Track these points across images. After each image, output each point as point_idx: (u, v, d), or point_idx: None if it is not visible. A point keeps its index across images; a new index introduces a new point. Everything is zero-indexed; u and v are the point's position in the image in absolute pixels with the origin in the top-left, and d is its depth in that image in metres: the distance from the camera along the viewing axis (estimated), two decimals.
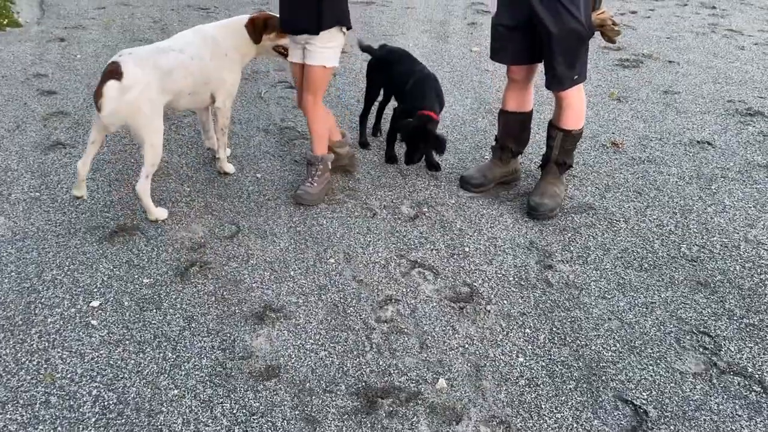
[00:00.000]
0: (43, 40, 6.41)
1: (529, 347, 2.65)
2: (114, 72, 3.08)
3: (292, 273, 3.07)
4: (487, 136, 4.35)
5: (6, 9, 7.38)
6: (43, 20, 7.08)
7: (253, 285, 2.99)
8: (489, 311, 2.85)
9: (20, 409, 2.31)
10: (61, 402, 2.34)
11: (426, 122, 3.63)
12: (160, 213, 3.43)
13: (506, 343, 2.67)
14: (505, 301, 2.91)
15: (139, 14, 7.35)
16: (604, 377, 2.50)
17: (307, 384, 2.45)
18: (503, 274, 3.10)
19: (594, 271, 3.12)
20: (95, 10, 7.42)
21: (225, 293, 2.92)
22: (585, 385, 2.46)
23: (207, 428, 2.26)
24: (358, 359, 2.57)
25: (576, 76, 3.36)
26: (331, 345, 2.64)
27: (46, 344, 2.61)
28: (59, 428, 2.24)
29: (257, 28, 3.59)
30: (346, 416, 2.32)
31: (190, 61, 3.38)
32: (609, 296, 2.96)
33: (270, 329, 2.72)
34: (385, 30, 6.73)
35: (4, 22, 6.86)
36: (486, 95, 5.10)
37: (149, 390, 2.40)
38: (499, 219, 3.53)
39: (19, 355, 2.55)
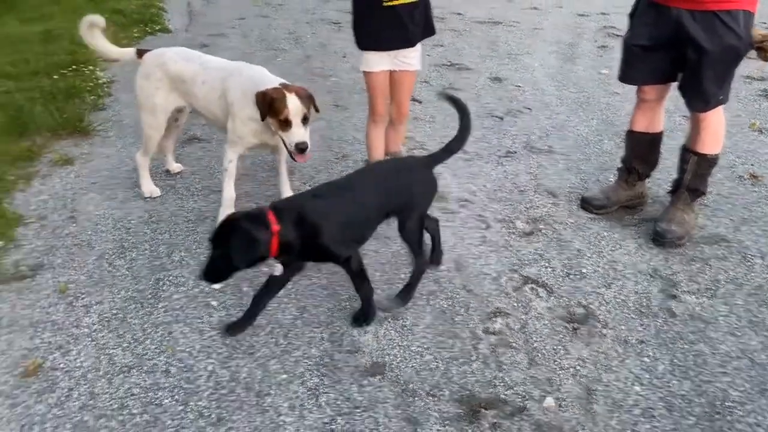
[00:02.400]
0: (189, 45, 6.88)
1: (647, 377, 2.50)
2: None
3: (402, 276, 3.08)
4: (612, 158, 4.18)
5: (159, 17, 8.04)
6: (191, 28, 7.63)
7: None
8: (605, 335, 2.72)
9: (144, 374, 2.47)
10: (180, 373, 2.47)
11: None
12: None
13: (622, 370, 2.53)
14: (622, 327, 2.77)
15: (275, 25, 7.75)
16: (729, 417, 2.31)
17: (411, 385, 2.44)
18: (622, 300, 2.95)
19: (723, 306, 2.90)
20: (236, 20, 7.90)
21: (337, 288, 2.98)
22: (707, 423, 2.28)
23: (311, 415, 2.30)
24: (463, 367, 2.53)
25: (721, 96, 3.16)
26: (437, 350, 2.62)
27: (170, 319, 2.78)
28: (176, 396, 2.36)
29: (262, 105, 3.04)
30: (448, 422, 2.28)
31: (201, 84, 3.40)
32: (739, 333, 2.73)
33: (377, 327, 2.74)
34: (511, 49, 6.68)
35: (157, 28, 7.47)
36: (613, 117, 4.92)
37: (260, 372, 2.48)
38: (620, 243, 3.37)
39: (146, 326, 2.73)
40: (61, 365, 2.51)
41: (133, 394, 2.37)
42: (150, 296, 2.92)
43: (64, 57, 6.14)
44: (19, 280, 3.02)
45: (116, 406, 2.32)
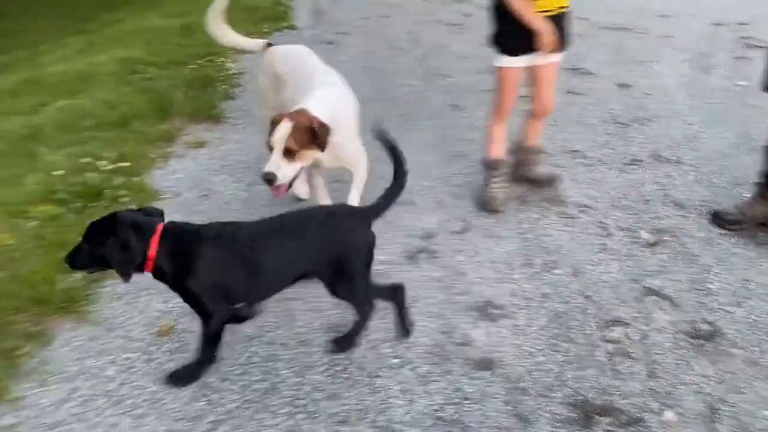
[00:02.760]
0: (314, 42, 7.14)
1: None
2: None
3: (516, 276, 3.05)
4: (748, 173, 3.92)
5: (287, 14, 8.40)
6: (317, 25, 7.90)
7: (477, 280, 3.02)
8: (733, 355, 2.56)
9: (264, 345, 2.60)
10: (297, 347, 2.58)
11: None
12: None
13: (750, 392, 2.38)
14: (755, 349, 2.60)
15: (396, 25, 7.87)
16: None
17: (522, 383, 2.41)
18: (754, 320, 2.76)
19: None
20: (360, 20, 8.10)
21: (450, 282, 3.00)
22: None
23: (421, 400, 2.33)
24: (578, 372, 2.47)
25: None
26: (551, 352, 2.58)
27: (291, 296, 2.89)
28: (293, 367, 2.47)
29: (295, 134, 2.77)
30: (560, 424, 2.24)
31: (290, 87, 3.32)
32: None
33: (489, 324, 2.73)
34: (639, 56, 6.42)
35: (284, 25, 7.80)
36: (750, 130, 4.61)
37: (373, 354, 2.55)
38: (755, 261, 3.16)
39: (267, 300, 2.87)
40: (191, 328, 2.68)
41: (253, 363, 2.50)
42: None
43: (200, 49, 6.54)
44: None
45: (239, 371, 2.45)
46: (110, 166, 3.88)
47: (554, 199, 3.71)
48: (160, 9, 10.40)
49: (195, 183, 3.95)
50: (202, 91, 5.35)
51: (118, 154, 4.09)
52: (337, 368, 2.47)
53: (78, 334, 2.64)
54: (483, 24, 3.69)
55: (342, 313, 2.71)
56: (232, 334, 2.61)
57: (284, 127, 2.76)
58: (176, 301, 2.83)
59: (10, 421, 2.22)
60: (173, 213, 3.54)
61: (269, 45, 3.72)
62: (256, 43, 3.88)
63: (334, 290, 2.41)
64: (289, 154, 2.78)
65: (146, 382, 2.40)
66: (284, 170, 2.79)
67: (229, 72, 5.95)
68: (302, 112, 2.82)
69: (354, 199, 3.19)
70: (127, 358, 2.52)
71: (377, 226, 2.44)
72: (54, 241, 3.12)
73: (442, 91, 5.50)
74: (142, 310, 2.78)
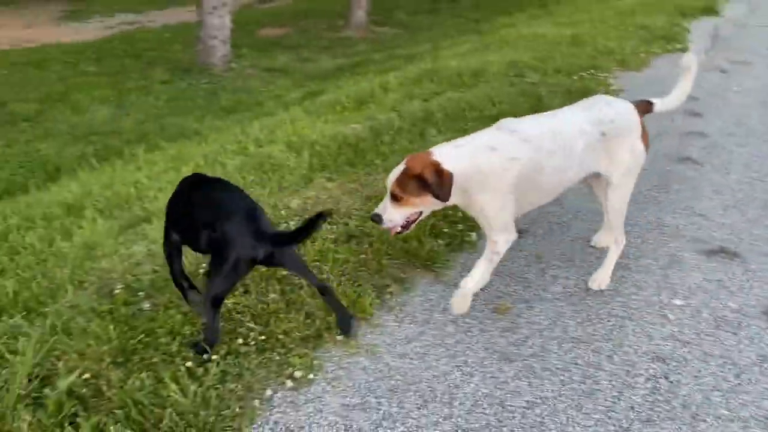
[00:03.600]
0: (704, 68, 6.72)
1: None
2: None
3: None
4: None
5: (681, 36, 8.02)
6: (711, 51, 7.40)
7: None
8: None
9: (590, 351, 2.68)
10: (622, 364, 2.61)
11: None
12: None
13: None
14: None
15: None
16: None
17: None
18: None
19: None
20: (767, 49, 7.33)
21: None
22: None
23: None
24: None
25: None
26: None
27: (624, 314, 2.91)
28: (613, 382, 2.51)
29: (401, 179, 2.60)
30: None
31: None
32: None
33: None
34: None
35: (678, 47, 7.48)
36: None
37: (700, 396, 2.43)
38: None
39: (601, 311, 2.94)
40: (524, 315, 2.91)
41: (576, 364, 2.61)
42: (611, 288, 3.11)
43: (585, 61, 6.71)
44: None
45: (560, 366, 2.59)
46: None
47: None
48: (551, 17, 10.86)
49: None
50: None
51: None
52: (659, 397, 2.43)
53: (433, 289, 3.09)
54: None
55: (674, 345, 2.64)
56: (564, 332, 2.77)
57: (396, 170, 2.61)
58: (516, 288, 3.10)
59: (371, 340, 2.73)
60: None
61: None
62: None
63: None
64: (395, 199, 2.59)
65: (478, 347, 2.70)
66: (390, 214, 2.60)
67: (610, 87, 6.00)
68: (422, 156, 2.61)
69: (472, 277, 2.77)
70: (467, 323, 2.86)
71: None
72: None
73: None
74: (485, 287, 3.10)
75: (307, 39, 14.03)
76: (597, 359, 2.63)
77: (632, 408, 2.39)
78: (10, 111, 9.25)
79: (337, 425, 2.29)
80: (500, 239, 2.73)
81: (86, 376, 2.40)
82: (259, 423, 2.28)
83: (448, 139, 4.60)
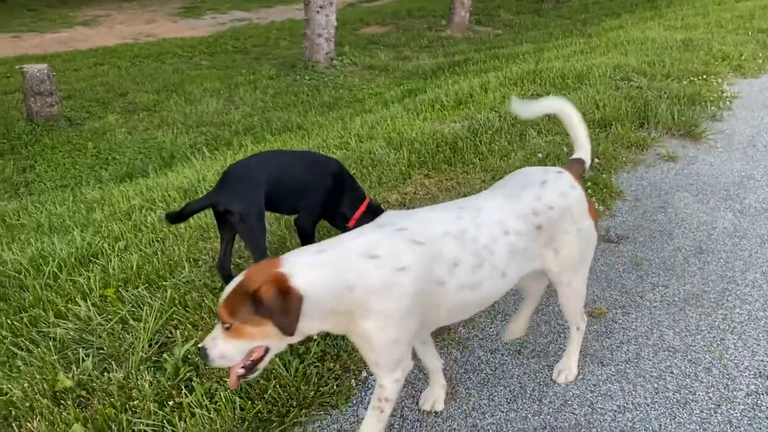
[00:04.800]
0: None
1: None
2: None
3: None
4: None
5: None
6: None
7: None
8: None
9: (686, 362, 2.63)
10: (719, 377, 2.54)
11: None
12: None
13: None
14: None
15: None
16: None
17: None
18: None
19: None
20: None
21: None
22: None
23: None
24: None
25: None
26: None
27: (726, 327, 2.83)
28: (710, 394, 2.46)
29: (231, 299, 1.81)
30: None
31: None
32: None
33: None
34: None
35: None
36: None
37: None
38: None
39: (701, 323, 2.86)
40: (620, 321, 2.88)
41: (672, 373, 2.57)
42: (712, 300, 3.02)
43: (698, 66, 6.45)
44: (606, 242, 3.52)
45: (655, 374, 2.56)
46: None
47: None
48: (662, 19, 10.45)
49: (656, 193, 4.07)
50: (688, 108, 5.33)
51: (594, 150, 4.46)
52: (760, 414, 2.36)
53: None
54: None
55: None
56: (660, 340, 2.73)
57: (231, 284, 1.83)
58: (613, 293, 3.08)
59: (463, 334, 2.80)
60: (626, 215, 3.77)
61: None
62: None
63: None
64: (225, 328, 1.81)
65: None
66: (221, 349, 1.82)
67: (724, 94, 5.74)
68: (265, 266, 1.81)
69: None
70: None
71: None
72: None
73: None
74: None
75: (408, 38, 14.16)
76: (694, 370, 2.58)
77: (729, 422, 2.33)
78: (131, 101, 9.95)
79: (428, 411, 2.38)
80: (388, 382, 1.96)
81: (200, 345, 2.61)
82: (354, 402, 2.41)
83: (548, 143, 4.65)
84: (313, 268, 1.79)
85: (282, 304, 1.71)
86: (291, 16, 17.22)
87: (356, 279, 1.80)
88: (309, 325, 1.82)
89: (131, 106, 9.73)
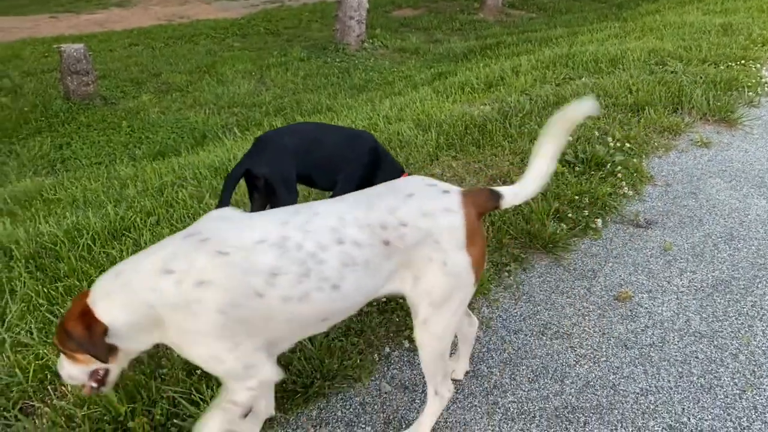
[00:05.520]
0: None
1: None
2: None
3: None
4: None
5: None
6: None
7: None
8: None
9: (711, 347, 2.61)
10: (745, 363, 2.52)
11: None
12: None
13: None
14: None
15: None
16: None
17: None
18: None
19: None
20: None
21: None
22: None
23: None
24: None
25: None
26: None
27: (755, 314, 2.79)
28: (736, 380, 2.44)
29: (59, 332, 1.83)
30: None
31: None
32: None
33: None
34: None
35: None
36: None
37: None
38: None
39: (729, 309, 2.83)
40: (645, 305, 2.87)
41: (696, 358, 2.55)
42: (742, 287, 2.98)
43: (736, 50, 6.29)
44: (635, 226, 3.49)
45: (680, 358, 2.55)
46: (616, 144, 4.23)
47: None
48: (701, 3, 10.20)
49: (688, 179, 4.00)
50: (724, 93, 5.21)
51: (626, 134, 4.40)
52: None
53: (552, 272, 3.11)
54: None
55: None
56: (686, 325, 2.71)
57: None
58: (640, 277, 3.05)
59: (486, 314, 2.82)
60: (656, 200, 3.72)
61: None
62: None
63: None
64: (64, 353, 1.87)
65: (594, 331, 2.71)
66: (68, 370, 1.88)
67: (762, 80, 5.60)
68: (78, 301, 1.79)
69: None
70: (585, 307, 2.86)
71: None
72: (553, 191, 3.64)
73: None
74: (608, 274, 3.08)
75: (440, 21, 14.05)
76: (720, 355, 2.56)
77: (755, 408, 2.31)
78: (164, 81, 10.08)
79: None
80: (238, 387, 1.85)
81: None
82: (377, 376, 2.44)
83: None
84: (111, 295, 1.74)
85: (87, 338, 1.71)
86: None
87: (155, 297, 1.70)
88: (136, 345, 1.81)
89: (164, 86, 9.86)
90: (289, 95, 9.17)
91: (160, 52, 12.15)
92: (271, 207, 2.94)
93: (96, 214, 3.76)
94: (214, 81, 10.00)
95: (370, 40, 12.09)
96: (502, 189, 1.97)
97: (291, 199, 2.88)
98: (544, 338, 2.67)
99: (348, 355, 2.49)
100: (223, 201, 2.71)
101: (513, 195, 1.97)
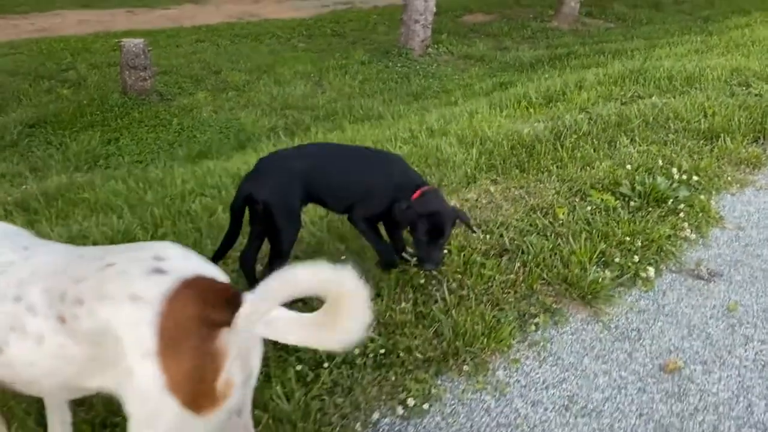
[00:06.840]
0: None
1: None
2: None
3: None
4: None
5: None
6: None
7: None
8: None
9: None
10: None
11: None
12: None
13: None
14: None
15: None
16: None
17: None
18: None
19: None
20: None
21: None
22: None
23: None
24: None
25: None
26: None
27: None
28: None
29: None
30: None
31: None
32: None
33: None
34: None
35: None
36: None
37: None
38: None
39: None
40: (698, 381, 2.38)
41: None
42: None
43: None
44: (695, 278, 2.98)
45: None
46: (682, 176, 3.69)
47: None
48: None
49: (765, 223, 3.45)
50: None
51: (695, 165, 3.86)
52: None
53: (588, 329, 2.65)
54: None
55: None
56: (748, 412, 2.21)
57: None
58: (694, 343, 2.56)
59: (502, 376, 2.39)
60: (724, 247, 3.19)
61: None
62: None
63: None
64: None
65: (630, 411, 2.25)
66: None
67: None
68: None
69: None
70: (623, 377, 2.40)
71: None
72: (600, 230, 3.17)
73: None
74: (656, 336, 2.60)
75: (510, 27, 13.47)
76: None
77: None
78: (223, 79, 10.01)
79: None
80: None
81: None
82: None
83: (641, 153, 4.07)
84: None
85: None
86: (394, 1, 16.90)
87: None
88: None
89: (222, 84, 9.78)
90: (343, 99, 8.89)
91: (224, 50, 12.13)
92: (269, 238, 2.63)
93: (103, 223, 3.56)
94: (272, 81, 9.85)
95: (435, 46, 11.68)
96: (248, 296, 1.36)
97: (291, 230, 2.59)
98: (568, 415, 2.23)
99: (328, 420, 2.13)
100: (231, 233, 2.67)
101: (250, 307, 1.34)
